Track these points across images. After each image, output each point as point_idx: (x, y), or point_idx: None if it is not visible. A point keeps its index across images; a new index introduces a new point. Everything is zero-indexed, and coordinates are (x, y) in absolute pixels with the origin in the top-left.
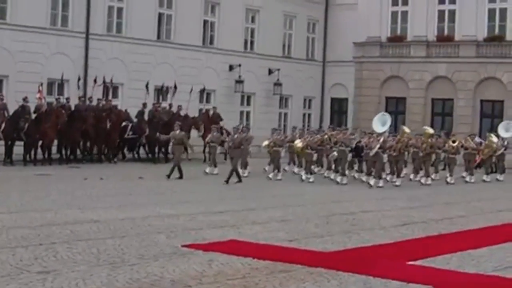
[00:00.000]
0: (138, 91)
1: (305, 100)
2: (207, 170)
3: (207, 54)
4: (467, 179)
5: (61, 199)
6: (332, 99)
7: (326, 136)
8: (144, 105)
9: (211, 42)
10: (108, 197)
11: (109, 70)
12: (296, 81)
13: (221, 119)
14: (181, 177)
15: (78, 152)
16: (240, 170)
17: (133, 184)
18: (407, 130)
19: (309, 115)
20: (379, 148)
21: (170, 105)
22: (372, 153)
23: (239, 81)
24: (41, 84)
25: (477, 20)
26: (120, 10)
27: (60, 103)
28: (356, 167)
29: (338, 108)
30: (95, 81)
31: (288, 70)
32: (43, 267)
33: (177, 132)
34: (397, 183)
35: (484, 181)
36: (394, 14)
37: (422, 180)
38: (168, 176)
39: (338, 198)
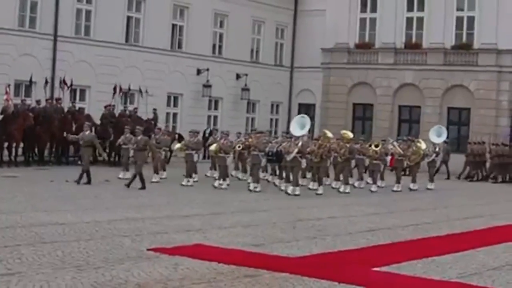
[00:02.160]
0: (105, 94)
1: (272, 105)
2: (120, 175)
3: (175, 58)
4: (395, 188)
5: (27, 201)
6: (300, 105)
7: (250, 140)
8: (107, 107)
9: (179, 46)
10: (74, 200)
11: (76, 72)
12: (264, 86)
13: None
14: (89, 182)
15: (46, 153)
16: (155, 175)
17: (99, 187)
18: (329, 134)
19: (276, 120)
20: (297, 153)
21: (135, 109)
22: (289, 158)
23: (207, 86)
24: (8, 86)
25: (445, 27)
26: (88, 12)
27: (26, 105)
28: (269, 171)
29: (306, 113)
30: (65, 82)
31: (256, 75)
32: (7, 269)
33: (87, 133)
34: (319, 192)
35: (410, 189)
36: (362, 21)
37: (341, 189)
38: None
39: (304, 204)
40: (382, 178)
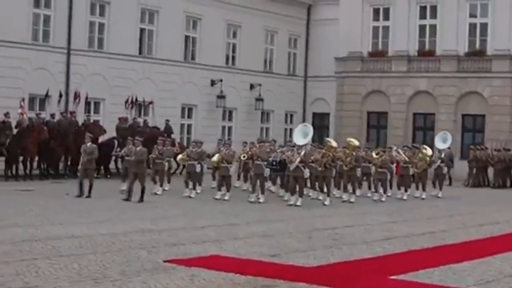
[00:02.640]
0: (119, 106)
1: (286, 115)
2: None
3: (189, 69)
4: (404, 197)
5: (42, 215)
6: (314, 114)
7: (253, 150)
8: (122, 120)
9: (193, 58)
10: (89, 213)
11: (90, 85)
12: (277, 96)
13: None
14: (87, 195)
15: (60, 167)
16: (158, 188)
17: (112, 200)
18: (333, 143)
19: (290, 130)
20: (300, 162)
21: (145, 121)
22: (292, 167)
23: (221, 96)
24: (23, 100)
25: (458, 34)
26: (101, 25)
27: (41, 119)
28: (270, 182)
29: (320, 123)
30: (78, 96)
31: (270, 85)
32: (24, 282)
33: (88, 144)
34: (326, 203)
35: (416, 197)
36: (375, 29)
37: (344, 196)
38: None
39: (320, 213)
40: (390, 187)
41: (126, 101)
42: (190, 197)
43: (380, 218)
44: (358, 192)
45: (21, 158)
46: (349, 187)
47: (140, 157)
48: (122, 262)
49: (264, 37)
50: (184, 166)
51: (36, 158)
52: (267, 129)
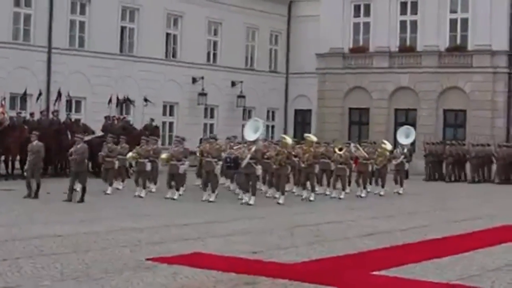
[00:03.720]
0: (101, 105)
1: (268, 111)
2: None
3: (170, 67)
4: (363, 194)
5: (24, 214)
6: (296, 111)
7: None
8: (107, 118)
9: (174, 55)
10: (71, 212)
11: (71, 84)
12: (259, 93)
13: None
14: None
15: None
16: (109, 187)
17: (97, 199)
18: (288, 139)
19: (272, 126)
20: (251, 158)
21: (122, 118)
22: (243, 164)
23: (202, 94)
24: (4, 99)
25: (438, 30)
26: (82, 24)
27: (22, 118)
28: (225, 178)
29: (302, 119)
30: (59, 94)
31: (251, 82)
32: (6, 282)
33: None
34: (280, 201)
35: (380, 195)
36: (356, 25)
37: (304, 195)
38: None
39: (301, 209)
40: (349, 184)
41: (110, 100)
42: (140, 196)
43: (362, 214)
44: (318, 189)
45: (2, 158)
46: (308, 185)
47: (81, 156)
48: (105, 260)
49: (245, 34)
50: (131, 165)
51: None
52: None
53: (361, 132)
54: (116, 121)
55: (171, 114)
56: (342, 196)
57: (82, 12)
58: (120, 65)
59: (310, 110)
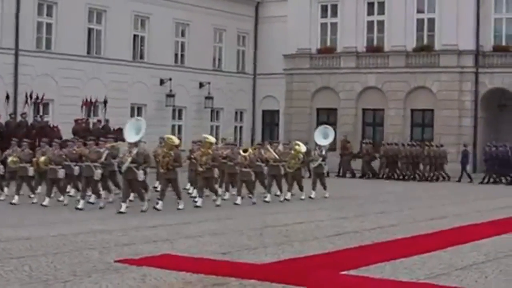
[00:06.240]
0: (69, 107)
1: (236, 112)
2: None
3: (138, 68)
4: (267, 198)
5: None
6: (264, 112)
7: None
8: (78, 121)
9: (141, 57)
10: (38, 214)
11: (39, 86)
12: (227, 94)
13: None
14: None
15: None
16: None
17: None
18: (211, 139)
19: (240, 127)
20: (132, 162)
21: (99, 121)
22: (123, 169)
23: (170, 95)
24: None
25: (405, 30)
26: (49, 25)
27: None
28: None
29: (270, 120)
30: (30, 97)
31: (219, 83)
32: None
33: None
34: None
35: (286, 199)
36: (323, 26)
37: (198, 202)
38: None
39: (270, 210)
40: (227, 189)
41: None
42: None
43: (331, 214)
44: (226, 195)
45: None
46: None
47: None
48: (73, 263)
49: (212, 35)
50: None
51: None
52: (217, 127)
53: None
54: (84, 124)
55: (139, 115)
56: (254, 201)
57: (49, 13)
58: (88, 67)
59: (278, 111)
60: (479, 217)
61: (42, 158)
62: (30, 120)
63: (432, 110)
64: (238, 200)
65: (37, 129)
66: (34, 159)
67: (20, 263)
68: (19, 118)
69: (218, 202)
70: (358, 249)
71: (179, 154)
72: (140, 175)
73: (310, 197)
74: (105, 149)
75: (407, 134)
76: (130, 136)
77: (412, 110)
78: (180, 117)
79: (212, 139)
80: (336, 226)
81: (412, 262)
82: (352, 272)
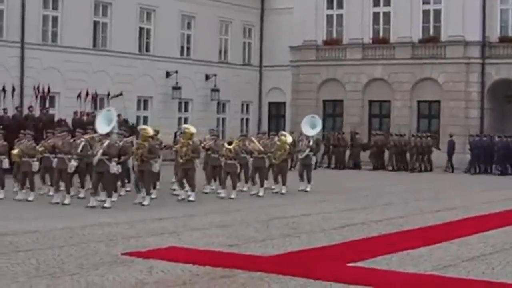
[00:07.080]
0: (74, 100)
1: (242, 105)
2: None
3: (144, 61)
4: (260, 193)
5: None
6: (270, 103)
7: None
8: (77, 113)
9: (147, 49)
10: (47, 207)
11: (45, 79)
12: (233, 86)
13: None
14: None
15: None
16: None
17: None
18: (192, 129)
19: (247, 119)
20: (103, 155)
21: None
22: (94, 161)
23: (176, 88)
24: None
25: (411, 21)
26: (55, 18)
27: None
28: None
29: (276, 112)
30: (38, 90)
31: (225, 75)
32: None
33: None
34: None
35: (275, 192)
36: (329, 18)
37: (181, 196)
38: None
39: (277, 202)
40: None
41: (79, 95)
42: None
43: (338, 206)
44: (207, 188)
45: None
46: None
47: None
48: (80, 256)
49: (218, 28)
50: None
51: None
52: (223, 119)
53: (335, 124)
54: (85, 117)
55: (145, 108)
56: (233, 196)
57: (55, 7)
58: (93, 60)
59: (284, 103)
60: (485, 209)
61: (15, 151)
62: (36, 113)
63: (438, 102)
64: (223, 194)
65: (44, 122)
66: (13, 152)
67: (27, 256)
68: (25, 111)
69: (192, 198)
70: (365, 241)
71: (197, 145)
72: (113, 167)
73: (303, 190)
74: (82, 141)
75: (414, 125)
76: (102, 127)
77: (419, 102)
78: (186, 110)
79: (193, 129)
80: (343, 218)
81: (419, 254)
82: (359, 264)
